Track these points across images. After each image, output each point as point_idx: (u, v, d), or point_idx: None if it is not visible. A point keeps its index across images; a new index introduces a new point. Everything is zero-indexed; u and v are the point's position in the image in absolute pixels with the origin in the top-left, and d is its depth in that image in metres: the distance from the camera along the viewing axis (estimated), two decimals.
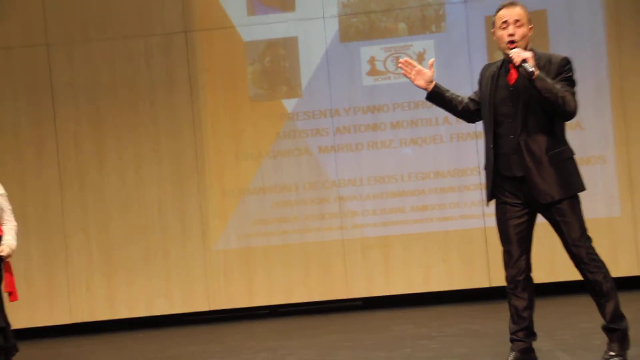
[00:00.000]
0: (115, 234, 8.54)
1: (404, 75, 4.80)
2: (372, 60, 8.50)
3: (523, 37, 4.52)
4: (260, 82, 8.60)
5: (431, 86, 4.76)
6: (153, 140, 8.60)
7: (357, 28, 8.52)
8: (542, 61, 4.50)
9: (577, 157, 4.78)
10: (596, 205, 7.97)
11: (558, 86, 4.41)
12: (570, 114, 4.47)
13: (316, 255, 8.49)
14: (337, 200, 8.50)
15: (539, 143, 4.53)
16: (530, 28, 4.58)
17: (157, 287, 8.52)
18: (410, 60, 4.79)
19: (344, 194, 8.49)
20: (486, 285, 8.07)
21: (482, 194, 8.10)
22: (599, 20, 8.32)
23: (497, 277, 6.36)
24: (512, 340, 4.63)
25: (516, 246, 4.64)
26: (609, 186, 8.26)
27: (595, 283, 4.50)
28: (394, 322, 7.44)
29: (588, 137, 8.20)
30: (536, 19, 7.53)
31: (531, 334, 4.65)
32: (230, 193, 8.56)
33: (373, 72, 8.51)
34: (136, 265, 8.52)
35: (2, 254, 5.58)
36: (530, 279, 4.65)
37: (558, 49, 8.01)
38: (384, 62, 8.49)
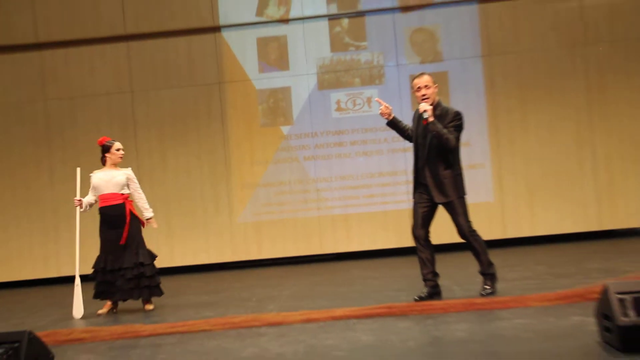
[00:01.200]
0: (173, 213, 8.58)
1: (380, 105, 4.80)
2: (338, 102, 8.55)
3: (432, 94, 4.57)
4: (267, 115, 8.61)
5: (391, 117, 4.75)
6: (197, 153, 8.65)
7: (328, 81, 8.61)
8: (443, 112, 4.54)
9: (467, 163, 4.39)
10: (478, 194, 8.14)
11: (445, 130, 4.45)
12: (450, 149, 4.51)
13: (302, 226, 8.55)
14: (316, 191, 8.54)
15: (437, 164, 4.56)
16: (436, 86, 4.62)
17: (200, 245, 8.58)
18: (381, 101, 4.82)
19: (320, 187, 8.53)
20: (412, 245, 7.82)
21: (408, 187, 8.21)
22: (480, 77, 8.46)
23: None
24: (424, 280, 4.70)
25: (420, 221, 4.65)
26: (487, 182, 8.38)
27: (473, 248, 4.67)
28: (353, 268, 7.42)
29: (474, 151, 8.35)
30: (440, 77, 7.75)
31: (436, 275, 4.71)
32: (247, 186, 8.58)
33: (339, 109, 8.55)
34: (186, 232, 8.57)
35: (154, 226, 5.48)
36: (429, 240, 4.69)
37: (455, 95, 8.22)
38: (346, 102, 8.53)
